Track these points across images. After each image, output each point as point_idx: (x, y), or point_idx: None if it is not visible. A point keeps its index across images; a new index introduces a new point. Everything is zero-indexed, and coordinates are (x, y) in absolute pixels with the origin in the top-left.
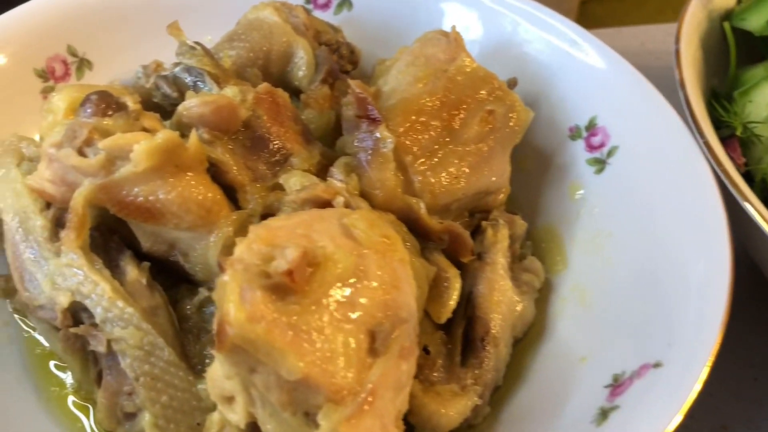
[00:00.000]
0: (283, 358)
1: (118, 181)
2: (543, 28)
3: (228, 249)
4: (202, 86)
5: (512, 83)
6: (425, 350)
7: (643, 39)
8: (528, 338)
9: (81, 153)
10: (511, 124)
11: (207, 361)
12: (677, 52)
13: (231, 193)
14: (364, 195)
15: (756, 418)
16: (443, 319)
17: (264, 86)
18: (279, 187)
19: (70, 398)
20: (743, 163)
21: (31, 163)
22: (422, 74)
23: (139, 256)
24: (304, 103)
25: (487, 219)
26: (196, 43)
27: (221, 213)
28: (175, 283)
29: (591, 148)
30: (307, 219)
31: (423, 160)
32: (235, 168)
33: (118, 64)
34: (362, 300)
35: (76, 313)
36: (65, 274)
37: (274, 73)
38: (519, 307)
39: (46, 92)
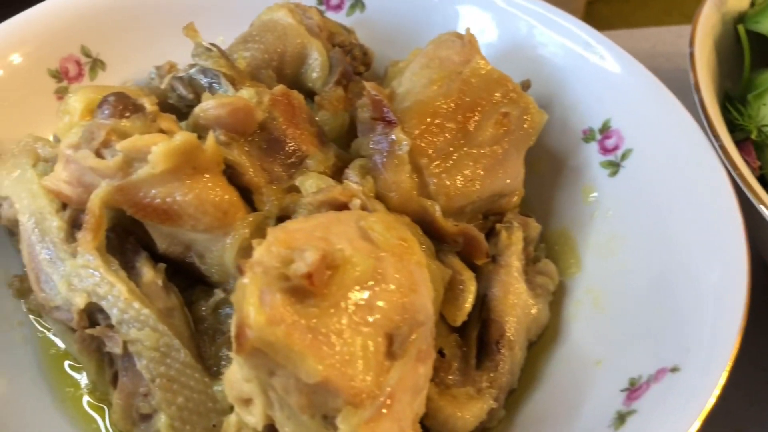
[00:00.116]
0: (303, 361)
1: (135, 183)
2: (556, 30)
3: (244, 251)
4: (217, 88)
5: (526, 85)
6: (440, 353)
7: (654, 41)
8: (542, 341)
9: (98, 154)
10: (525, 126)
11: (223, 362)
12: (691, 55)
13: (247, 195)
14: (379, 197)
15: None
16: (459, 322)
17: (280, 88)
18: (295, 189)
19: (85, 399)
20: (758, 166)
21: (47, 164)
22: (437, 76)
23: (155, 257)
24: (318, 105)
25: (501, 221)
26: (212, 44)
27: (237, 215)
28: (191, 285)
29: (605, 150)
30: (325, 222)
31: (438, 162)
32: (251, 170)
33: (132, 65)
34: (380, 303)
35: (92, 314)
36: (81, 275)
37: (288, 74)
38: (534, 310)
39: (60, 93)
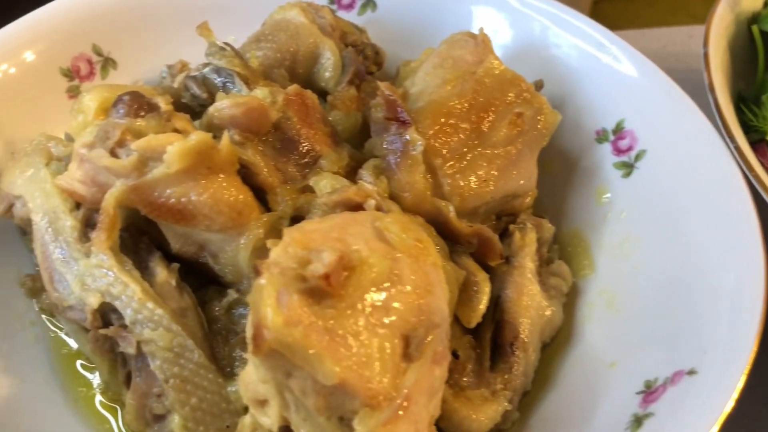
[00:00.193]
0: (320, 362)
1: (150, 183)
2: (569, 30)
3: (258, 251)
4: (231, 87)
5: (539, 85)
6: (454, 355)
7: (665, 41)
8: (556, 343)
9: (113, 154)
10: (538, 126)
11: (236, 363)
12: (706, 55)
13: (260, 195)
14: (392, 197)
15: None
16: (473, 324)
17: (293, 87)
18: (309, 189)
19: (98, 399)
20: None
21: (60, 163)
22: (450, 76)
23: (168, 257)
24: (330, 105)
25: (514, 222)
26: (226, 43)
27: (252, 215)
28: (203, 285)
29: (618, 151)
30: (341, 222)
31: (452, 163)
32: (265, 170)
33: (143, 64)
34: (396, 304)
35: (106, 314)
36: (95, 275)
37: (301, 74)
38: (548, 312)
39: (72, 91)
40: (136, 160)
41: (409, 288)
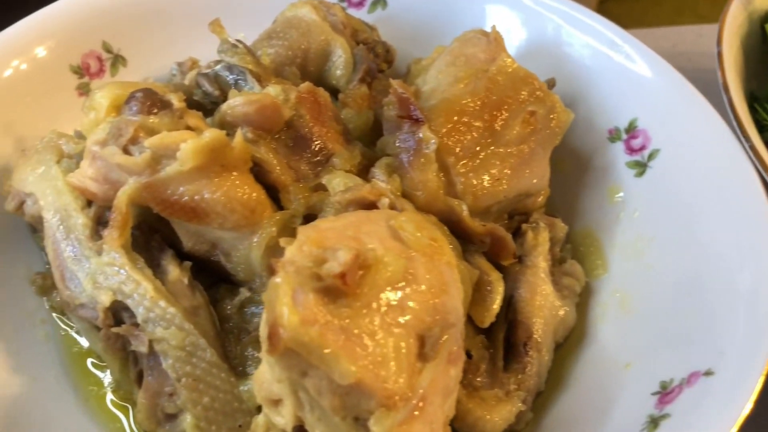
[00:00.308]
0: (336, 362)
1: (163, 180)
2: (581, 28)
3: (271, 249)
4: (243, 85)
5: (551, 84)
6: (468, 355)
7: (675, 40)
8: (569, 343)
9: (126, 151)
10: (551, 125)
11: (248, 362)
12: (719, 54)
13: (273, 194)
14: (405, 196)
15: None
16: (487, 324)
17: (306, 85)
18: (321, 188)
19: (109, 397)
20: None
21: (71, 161)
22: (463, 74)
23: (180, 255)
24: (342, 103)
25: (526, 221)
26: (238, 41)
27: (265, 213)
28: (215, 283)
29: (631, 150)
30: (355, 221)
31: (465, 161)
32: (278, 168)
33: (153, 61)
34: (411, 304)
35: (117, 312)
36: (107, 273)
37: (312, 71)
38: (561, 312)
39: (81, 89)
40: (149, 157)
41: (424, 287)
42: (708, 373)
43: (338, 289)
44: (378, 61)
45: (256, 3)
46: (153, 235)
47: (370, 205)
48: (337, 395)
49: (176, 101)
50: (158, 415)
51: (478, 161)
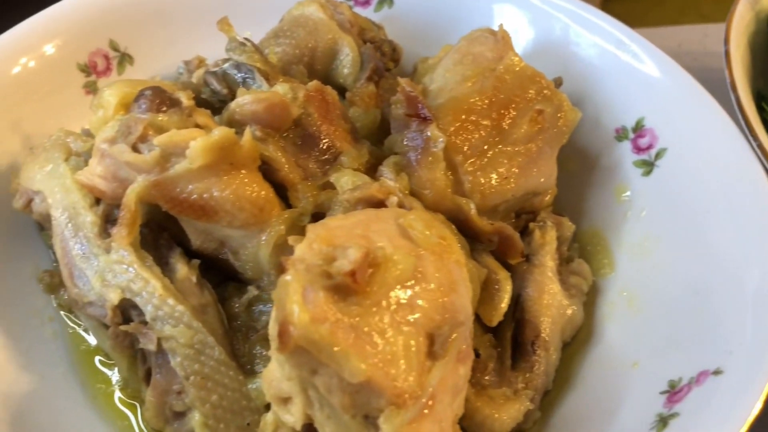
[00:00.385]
0: (346, 360)
1: (172, 178)
2: (588, 27)
3: (279, 248)
4: (251, 83)
5: (558, 83)
6: (476, 353)
7: (680, 40)
8: (576, 342)
9: (135, 149)
10: (559, 124)
11: (257, 360)
12: (727, 53)
13: (281, 192)
14: (413, 195)
15: None
16: (495, 322)
17: (314, 84)
18: (329, 186)
19: (117, 395)
20: None
21: (79, 159)
22: (470, 73)
23: (188, 253)
24: (349, 102)
25: (533, 220)
26: (246, 39)
27: (273, 211)
28: (222, 281)
29: (638, 149)
30: (364, 219)
31: (473, 160)
32: (286, 166)
33: (159, 60)
34: (421, 302)
35: (125, 310)
36: (115, 271)
37: (319, 70)
38: (569, 311)
39: (88, 87)
40: (158, 155)
41: (433, 286)
42: (717, 372)
43: (348, 287)
44: (385, 60)
45: (263, 2)
46: (161, 233)
47: (379, 204)
48: (347, 393)
49: (185, 99)
50: (166, 413)
51: (485, 160)
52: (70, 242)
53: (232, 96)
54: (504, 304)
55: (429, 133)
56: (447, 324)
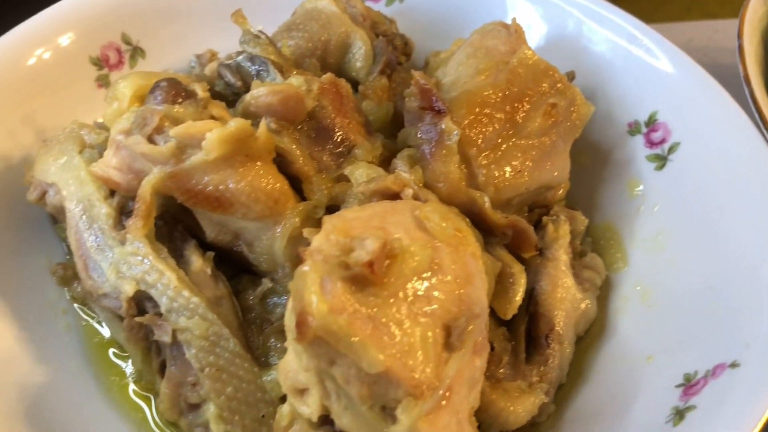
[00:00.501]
0: (364, 350)
1: (188, 170)
2: (601, 21)
3: (294, 240)
4: (265, 75)
5: (570, 77)
6: (490, 347)
7: (690, 35)
8: (590, 336)
9: (150, 140)
10: (572, 117)
11: (271, 352)
12: (740, 48)
13: (295, 184)
14: (427, 188)
15: None
16: (510, 315)
17: (328, 76)
18: (343, 179)
19: (131, 388)
20: None
21: (93, 151)
22: (484, 66)
23: (203, 246)
24: (362, 95)
25: (546, 214)
26: (260, 31)
27: (288, 203)
28: (236, 274)
29: (651, 144)
30: (381, 211)
31: (487, 153)
32: (301, 158)
33: (171, 53)
34: (437, 294)
35: (140, 302)
36: (130, 263)
37: (332, 63)
38: (582, 305)
39: (101, 80)
40: (174, 146)
41: (449, 278)
42: (734, 365)
43: (365, 278)
44: (397, 54)
45: None
46: (176, 225)
47: (394, 196)
48: (365, 384)
49: (200, 91)
50: (181, 405)
51: (499, 153)
52: (84, 234)
53: (246, 88)
54: (518, 297)
55: (443, 126)
56: (463, 316)
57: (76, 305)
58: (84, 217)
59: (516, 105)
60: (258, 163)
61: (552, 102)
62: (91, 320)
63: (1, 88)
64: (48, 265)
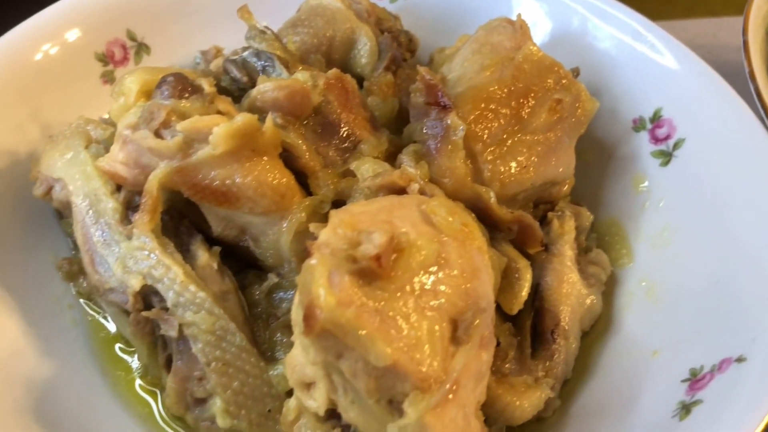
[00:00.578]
0: (372, 343)
1: (195, 164)
2: (605, 18)
3: (300, 235)
4: (271, 71)
5: (575, 73)
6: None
7: (693, 33)
8: (595, 332)
9: (157, 135)
10: (577, 113)
11: (277, 347)
12: (745, 44)
13: (301, 179)
14: (432, 183)
15: None
16: (515, 311)
17: (333, 72)
18: (349, 174)
19: (137, 382)
20: None
21: (99, 146)
22: (489, 62)
23: (208, 240)
24: (367, 91)
25: (551, 210)
26: (266, 27)
27: (294, 198)
28: (242, 269)
29: (656, 140)
30: (387, 205)
31: (493, 148)
32: (307, 154)
33: (176, 50)
34: (444, 288)
35: (147, 296)
36: (137, 257)
37: (337, 59)
38: (588, 300)
39: (106, 77)
40: (181, 141)
41: (456, 272)
42: (740, 360)
43: (373, 272)
44: (401, 51)
45: None
46: (182, 220)
47: (400, 191)
48: (372, 377)
49: (207, 86)
50: (187, 400)
51: (505, 148)
52: (91, 229)
53: (252, 84)
54: (524, 292)
55: (449, 122)
56: (470, 310)
57: (81, 300)
58: (90, 211)
59: (521, 101)
60: (264, 158)
61: (557, 98)
62: (97, 315)
63: (8, 83)
64: (54, 260)
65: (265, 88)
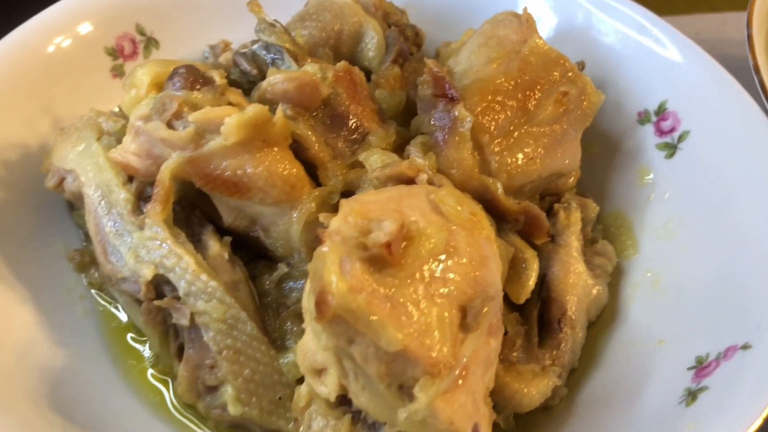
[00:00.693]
0: (383, 329)
1: (206, 155)
2: (611, 12)
3: (310, 225)
4: (280, 64)
5: (580, 66)
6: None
7: (698, 28)
8: (601, 322)
9: (169, 126)
10: (583, 106)
11: (287, 336)
12: (749, 37)
13: (310, 170)
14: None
15: None
16: (522, 300)
17: (342, 64)
18: (358, 165)
19: (149, 371)
20: None
21: (111, 138)
22: (495, 55)
23: (219, 231)
24: (375, 84)
25: (557, 202)
26: (275, 20)
27: (304, 189)
28: (252, 259)
29: (661, 132)
30: (397, 195)
31: (499, 140)
32: (316, 145)
33: (185, 44)
34: (453, 275)
35: (159, 286)
36: (149, 247)
37: (345, 53)
38: (594, 291)
39: (115, 70)
40: (192, 132)
41: (465, 260)
42: (745, 347)
43: (383, 259)
44: (408, 45)
45: None
46: (193, 210)
47: (409, 181)
48: (383, 362)
49: (218, 78)
50: (199, 388)
51: (512, 140)
52: (103, 219)
53: (262, 76)
54: (531, 281)
55: (456, 113)
56: (479, 297)
57: (93, 291)
58: (102, 202)
59: (528, 93)
60: (275, 148)
61: (563, 90)
62: (108, 305)
63: (21, 75)
64: (65, 251)
65: (275, 80)
